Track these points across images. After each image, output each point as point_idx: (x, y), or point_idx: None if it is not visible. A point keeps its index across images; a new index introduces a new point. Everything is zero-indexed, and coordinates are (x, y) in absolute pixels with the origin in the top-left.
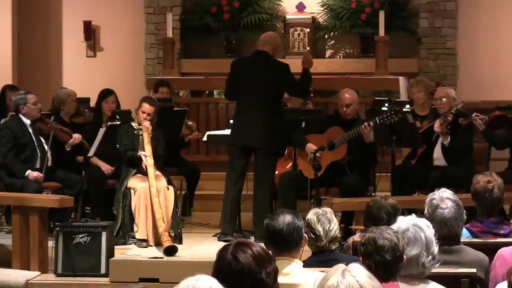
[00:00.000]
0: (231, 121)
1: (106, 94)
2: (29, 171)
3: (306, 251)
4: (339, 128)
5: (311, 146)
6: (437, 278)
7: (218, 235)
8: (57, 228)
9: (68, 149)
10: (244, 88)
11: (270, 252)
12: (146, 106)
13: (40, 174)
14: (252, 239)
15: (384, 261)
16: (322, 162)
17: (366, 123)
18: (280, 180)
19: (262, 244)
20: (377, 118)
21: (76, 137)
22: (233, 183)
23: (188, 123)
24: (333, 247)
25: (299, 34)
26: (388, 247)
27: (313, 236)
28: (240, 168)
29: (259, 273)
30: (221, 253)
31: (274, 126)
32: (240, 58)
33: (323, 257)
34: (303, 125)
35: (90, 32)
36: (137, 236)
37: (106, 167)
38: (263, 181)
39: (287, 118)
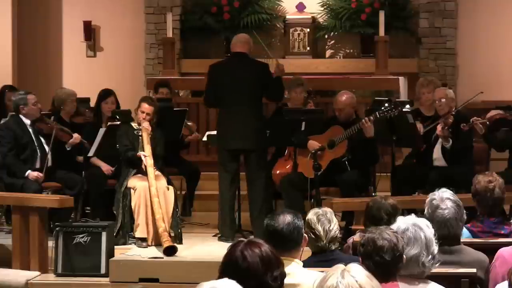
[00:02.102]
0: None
1: (105, 95)
2: (29, 171)
3: (306, 251)
4: (339, 127)
5: (312, 143)
6: (437, 278)
7: (219, 236)
8: (57, 228)
9: (68, 149)
10: (227, 91)
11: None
12: (145, 106)
13: (41, 174)
14: None
15: (383, 262)
16: (323, 160)
17: (366, 118)
18: (281, 183)
19: None
20: (377, 112)
21: (76, 136)
22: (228, 187)
23: (188, 123)
24: (333, 247)
25: (299, 34)
26: (388, 247)
27: (313, 236)
28: (233, 170)
29: (265, 275)
30: (231, 248)
31: (261, 126)
32: (218, 62)
33: (323, 257)
34: (303, 126)
35: (90, 32)
36: (137, 234)
37: (106, 167)
38: (257, 182)
39: (287, 118)
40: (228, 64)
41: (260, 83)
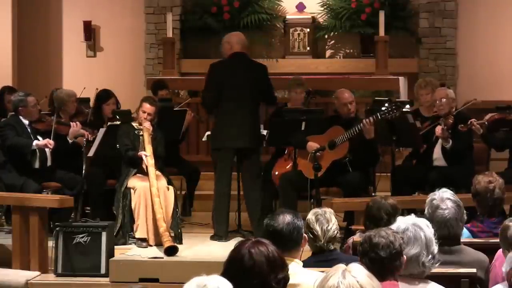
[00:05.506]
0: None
1: (106, 97)
2: (35, 141)
3: (306, 251)
4: (340, 127)
5: (312, 145)
6: (437, 278)
7: (212, 235)
8: (57, 228)
9: (71, 141)
10: (227, 90)
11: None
12: (147, 106)
13: (51, 141)
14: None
15: (379, 258)
16: (324, 161)
17: (367, 119)
18: (280, 180)
19: None
20: (378, 113)
21: (74, 124)
22: (226, 185)
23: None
24: (332, 247)
25: (299, 34)
26: (383, 244)
27: (311, 236)
28: (229, 169)
29: (268, 275)
30: (239, 245)
31: (259, 125)
32: (219, 62)
33: (322, 257)
34: (303, 126)
35: (90, 32)
36: (137, 235)
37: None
38: (257, 181)
39: (287, 118)
40: (229, 64)
41: (259, 84)
